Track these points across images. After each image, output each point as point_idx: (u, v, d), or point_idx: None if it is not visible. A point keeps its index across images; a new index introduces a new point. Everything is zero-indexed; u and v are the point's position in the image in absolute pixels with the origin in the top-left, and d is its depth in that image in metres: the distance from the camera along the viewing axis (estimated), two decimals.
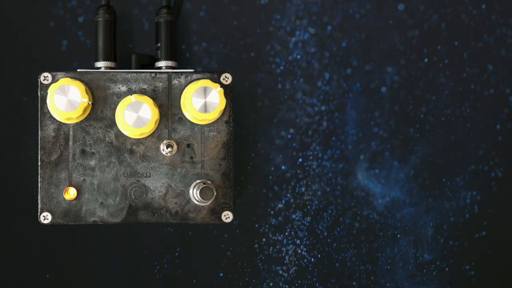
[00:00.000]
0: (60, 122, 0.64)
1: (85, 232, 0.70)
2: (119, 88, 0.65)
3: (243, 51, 0.71)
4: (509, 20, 0.72)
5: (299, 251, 0.71)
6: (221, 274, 0.71)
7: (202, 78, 0.65)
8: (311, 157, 0.71)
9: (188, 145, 0.65)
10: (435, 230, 0.72)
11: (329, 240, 0.72)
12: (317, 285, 0.72)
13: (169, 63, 0.67)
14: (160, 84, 0.65)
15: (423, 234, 0.72)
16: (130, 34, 0.70)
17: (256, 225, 0.71)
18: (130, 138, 0.65)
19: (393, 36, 0.72)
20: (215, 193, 0.65)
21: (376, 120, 0.72)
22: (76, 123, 0.65)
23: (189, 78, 0.66)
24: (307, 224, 0.71)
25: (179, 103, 0.65)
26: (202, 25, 0.71)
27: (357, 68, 0.72)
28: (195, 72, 0.66)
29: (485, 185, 0.72)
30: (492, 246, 0.73)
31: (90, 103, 0.64)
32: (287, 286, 0.72)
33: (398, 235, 0.72)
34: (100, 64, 0.67)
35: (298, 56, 0.71)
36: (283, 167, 0.71)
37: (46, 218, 0.65)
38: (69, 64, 0.70)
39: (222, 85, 0.65)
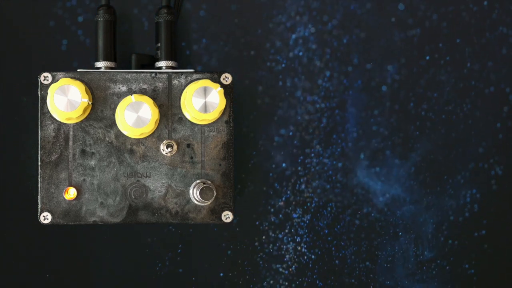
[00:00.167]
0: (60, 122, 0.64)
1: (85, 232, 0.70)
2: (119, 88, 0.65)
3: (243, 48, 0.71)
4: (510, 18, 0.72)
5: (299, 248, 0.72)
6: (221, 274, 0.71)
7: (202, 78, 0.65)
8: (311, 155, 0.71)
9: (188, 145, 0.65)
10: (435, 228, 0.72)
11: (329, 237, 0.72)
12: (317, 282, 0.72)
13: (169, 63, 0.67)
14: (160, 84, 0.65)
15: (423, 232, 0.72)
16: (130, 34, 0.70)
17: (257, 222, 0.71)
18: (130, 138, 0.65)
19: (394, 33, 0.72)
20: (215, 193, 0.65)
21: (377, 118, 0.71)
22: (76, 123, 0.65)
23: (189, 78, 0.65)
24: (307, 221, 0.71)
25: (179, 103, 0.65)
26: (202, 24, 0.71)
27: (358, 65, 0.71)
28: (195, 72, 0.65)
29: (485, 183, 0.72)
30: (492, 244, 0.73)
31: (90, 103, 0.64)
32: (287, 283, 0.72)
33: (399, 233, 0.72)
34: (100, 64, 0.67)
35: (300, 53, 0.71)
36: (283, 165, 0.71)
37: (46, 218, 0.65)
38: (69, 64, 0.70)
39: (222, 85, 0.65)
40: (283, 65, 0.71)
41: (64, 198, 0.65)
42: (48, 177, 0.65)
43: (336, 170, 0.71)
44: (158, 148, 0.65)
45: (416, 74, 0.72)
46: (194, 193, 0.65)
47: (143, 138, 0.65)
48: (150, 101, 0.64)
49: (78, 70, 0.65)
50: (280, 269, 0.72)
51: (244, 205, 0.71)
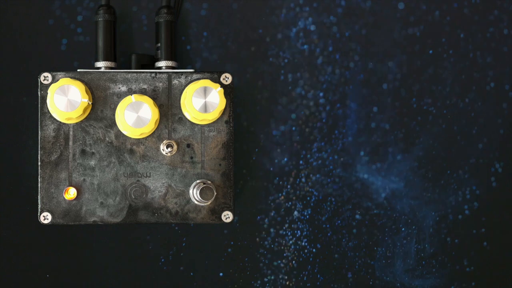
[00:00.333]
0: (60, 122, 0.64)
1: (85, 232, 0.70)
2: (119, 88, 0.65)
3: (244, 44, 0.71)
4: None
5: (300, 243, 0.71)
6: (222, 271, 0.71)
7: (202, 78, 0.65)
8: (312, 149, 0.71)
9: (188, 145, 0.65)
10: (435, 224, 0.72)
11: (329, 232, 0.72)
12: (318, 276, 0.72)
13: (169, 63, 0.67)
14: (160, 84, 0.65)
15: (423, 227, 0.72)
16: (130, 34, 0.70)
17: (258, 217, 0.71)
18: (130, 138, 0.65)
19: (396, 27, 0.72)
20: (215, 193, 0.65)
21: (378, 112, 0.71)
22: (76, 123, 0.65)
23: (189, 78, 0.65)
24: (308, 216, 0.71)
25: (179, 103, 0.65)
26: (202, 20, 0.71)
27: (359, 59, 0.71)
28: (195, 72, 0.66)
29: (485, 180, 0.72)
30: (491, 241, 0.73)
31: (90, 103, 0.64)
32: (286, 277, 0.72)
33: (399, 228, 0.72)
34: (100, 64, 0.67)
35: (300, 48, 0.71)
36: (284, 159, 0.71)
37: (46, 218, 0.65)
38: (69, 64, 0.70)
39: (222, 85, 0.65)
40: (284, 59, 0.71)
41: (64, 198, 0.65)
42: (48, 177, 0.65)
43: (336, 164, 0.71)
44: (158, 148, 0.65)
45: (418, 68, 0.72)
46: (194, 193, 0.65)
47: (143, 138, 0.65)
48: (150, 101, 0.64)
49: (78, 70, 0.65)
50: (281, 264, 0.72)
51: (245, 200, 0.71)
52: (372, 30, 0.72)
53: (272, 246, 0.72)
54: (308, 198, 0.71)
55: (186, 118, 0.65)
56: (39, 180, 0.65)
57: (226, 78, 0.66)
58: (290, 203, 0.71)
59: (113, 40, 0.68)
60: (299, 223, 0.71)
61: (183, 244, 0.71)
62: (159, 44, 0.68)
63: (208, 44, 0.71)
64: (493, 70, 0.72)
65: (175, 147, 0.65)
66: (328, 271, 0.72)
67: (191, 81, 0.65)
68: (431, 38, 0.72)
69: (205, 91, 0.64)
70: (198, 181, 0.65)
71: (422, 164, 0.72)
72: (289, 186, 0.71)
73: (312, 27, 0.71)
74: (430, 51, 0.72)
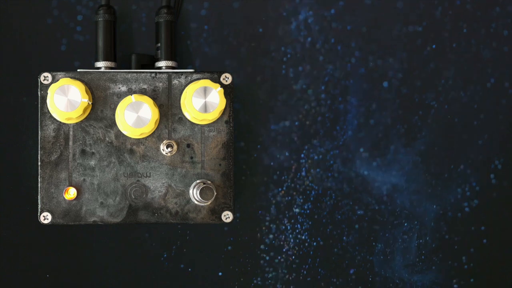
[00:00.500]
0: (60, 122, 0.64)
1: (85, 232, 0.70)
2: (119, 88, 0.65)
3: (245, 39, 0.71)
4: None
5: (300, 236, 0.71)
6: (221, 274, 0.71)
7: (202, 78, 0.65)
8: (312, 144, 0.71)
9: (188, 145, 0.65)
10: (434, 220, 0.72)
11: (330, 227, 0.72)
12: (319, 270, 0.72)
13: (169, 63, 0.67)
14: (160, 84, 0.65)
15: (423, 223, 0.72)
16: (130, 34, 0.70)
17: (260, 212, 0.71)
18: (130, 138, 0.65)
19: (399, 22, 0.72)
20: (215, 193, 0.65)
21: (379, 107, 0.71)
22: (76, 123, 0.65)
23: (189, 78, 0.65)
24: (308, 211, 0.71)
25: (179, 103, 0.65)
26: (203, 19, 0.71)
27: (361, 54, 0.71)
28: (195, 72, 0.66)
29: (485, 177, 0.72)
30: (491, 239, 0.73)
31: (90, 103, 0.64)
32: (286, 271, 0.72)
33: (399, 223, 0.72)
34: (100, 64, 0.67)
35: (300, 42, 0.71)
36: (285, 154, 0.71)
37: (46, 218, 0.65)
38: (69, 64, 0.70)
39: (222, 85, 0.65)
40: (284, 55, 0.71)
41: (64, 198, 0.65)
42: (48, 177, 0.65)
43: (337, 159, 0.71)
44: (158, 148, 0.65)
45: (420, 63, 0.72)
46: (194, 193, 0.65)
47: (143, 138, 0.65)
48: (150, 101, 0.64)
49: (78, 70, 0.65)
50: (281, 259, 0.72)
51: (245, 195, 0.71)
52: (373, 25, 0.72)
53: (273, 241, 0.72)
54: (308, 193, 0.71)
55: (186, 118, 0.65)
56: (39, 180, 0.65)
57: (226, 78, 0.66)
58: (290, 197, 0.71)
59: (113, 40, 0.68)
60: (299, 217, 0.71)
61: (184, 242, 0.71)
62: (159, 44, 0.68)
63: (208, 39, 0.71)
64: (494, 66, 0.72)
65: (175, 147, 0.65)
66: (328, 265, 0.72)
67: (191, 81, 0.65)
68: (433, 33, 0.72)
69: (205, 91, 0.64)
70: (198, 181, 0.65)
71: (423, 160, 0.72)
72: (289, 181, 0.71)
73: (311, 20, 0.71)
74: (433, 46, 0.72)
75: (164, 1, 0.68)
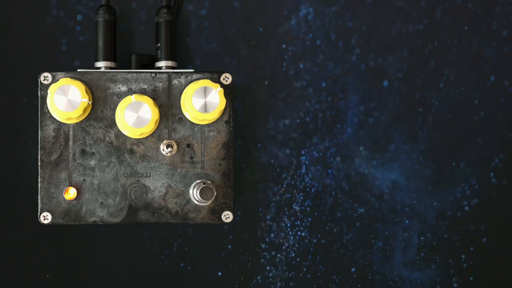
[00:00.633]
0: (60, 122, 0.64)
1: (85, 232, 0.70)
2: (119, 88, 0.65)
3: (245, 38, 0.71)
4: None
5: (300, 233, 0.71)
6: (220, 273, 0.71)
7: (202, 78, 0.65)
8: (312, 141, 0.71)
9: (188, 145, 0.65)
10: (434, 218, 0.72)
11: (329, 224, 0.72)
12: (319, 267, 0.72)
13: (169, 63, 0.67)
14: (160, 84, 0.65)
15: (423, 221, 0.72)
16: (130, 34, 0.70)
17: (260, 209, 0.71)
18: (130, 138, 0.65)
19: (399, 19, 0.72)
20: (215, 193, 0.65)
21: (379, 105, 0.71)
22: (76, 123, 0.65)
23: (189, 78, 0.66)
24: (308, 208, 0.71)
25: (179, 103, 0.65)
26: (203, 19, 0.71)
27: (361, 51, 0.71)
28: (195, 72, 0.66)
29: (485, 176, 0.72)
30: (490, 237, 0.73)
31: (90, 103, 0.64)
32: (285, 268, 0.72)
33: (399, 221, 0.72)
34: (100, 64, 0.67)
35: (301, 39, 0.71)
36: (286, 151, 0.71)
37: (46, 218, 0.65)
38: (69, 64, 0.70)
39: (222, 85, 0.66)
40: (285, 52, 0.71)
41: (64, 198, 0.65)
42: (48, 177, 0.65)
43: (337, 157, 0.71)
44: (158, 148, 0.65)
45: (420, 61, 0.72)
46: (194, 193, 0.65)
47: (143, 138, 0.65)
48: (150, 101, 0.64)
49: (78, 70, 0.65)
50: (282, 257, 0.72)
51: (245, 193, 0.71)
52: (374, 22, 0.72)
53: (274, 239, 0.72)
54: (308, 190, 0.71)
55: (186, 118, 0.65)
56: (39, 180, 0.65)
57: (226, 78, 0.66)
58: (289, 195, 0.71)
59: (113, 40, 0.68)
60: (299, 214, 0.71)
61: (184, 241, 0.71)
62: (159, 44, 0.68)
63: (208, 39, 0.71)
64: (494, 65, 0.72)
65: (175, 147, 0.65)
66: (328, 263, 0.72)
67: (191, 81, 0.65)
68: (434, 30, 0.72)
69: (205, 91, 0.64)
70: (198, 181, 0.65)
71: (423, 158, 0.72)
72: (289, 178, 0.71)
73: (311, 17, 0.71)
74: (435, 43, 0.72)
75: (164, 1, 0.68)
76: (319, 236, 0.72)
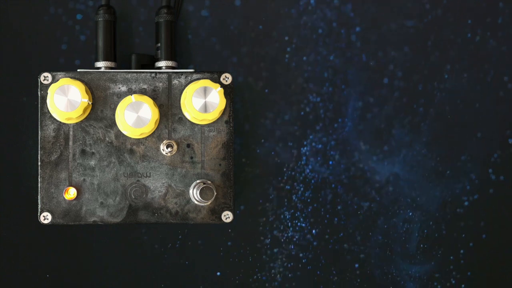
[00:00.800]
0: (60, 122, 0.64)
1: (85, 232, 0.70)
2: (119, 88, 0.65)
3: (245, 35, 0.71)
4: None
5: (299, 224, 0.71)
6: (220, 268, 0.71)
7: (202, 78, 0.65)
8: (314, 135, 0.71)
9: (188, 145, 0.65)
10: (434, 214, 0.72)
11: (328, 215, 0.72)
12: (320, 258, 0.72)
13: (169, 63, 0.67)
14: (160, 84, 0.65)
15: (423, 216, 0.72)
16: (130, 34, 0.70)
17: (260, 200, 0.71)
18: (130, 138, 0.65)
19: (402, 13, 0.72)
20: (215, 193, 0.65)
21: (380, 98, 0.71)
22: (76, 123, 0.65)
23: (189, 78, 0.66)
24: (309, 199, 0.71)
25: (179, 103, 0.65)
26: (203, 19, 0.71)
27: (363, 45, 0.71)
28: (195, 72, 0.66)
29: (485, 172, 0.72)
30: (489, 233, 0.73)
31: (90, 103, 0.64)
32: (284, 260, 0.72)
33: (398, 215, 0.72)
34: (100, 64, 0.67)
35: (302, 34, 0.71)
36: (288, 144, 0.71)
37: (46, 218, 0.65)
38: (69, 63, 0.70)
39: (222, 85, 0.66)
40: (288, 44, 0.71)
41: (64, 198, 0.65)
42: (48, 177, 0.65)
43: (338, 150, 0.71)
44: (158, 148, 0.65)
45: (422, 53, 0.72)
46: (194, 193, 0.65)
47: (143, 138, 0.65)
48: (150, 101, 0.64)
49: (78, 70, 0.65)
50: (283, 251, 0.72)
51: (246, 187, 0.71)
52: (376, 16, 0.72)
53: (274, 232, 0.72)
54: (308, 182, 0.71)
55: (186, 118, 0.65)
56: (39, 180, 0.65)
57: (226, 78, 0.66)
58: (289, 186, 0.71)
59: (113, 40, 0.68)
60: (299, 204, 0.71)
61: (184, 236, 0.71)
62: (159, 44, 0.68)
63: (208, 39, 0.71)
64: (496, 60, 0.72)
65: (175, 147, 0.65)
66: (328, 255, 0.72)
67: (191, 81, 0.65)
68: (437, 24, 0.72)
69: (205, 91, 0.64)
70: (198, 181, 0.65)
71: (423, 154, 0.72)
72: (290, 171, 0.71)
73: (311, 6, 0.71)
74: (437, 37, 0.72)
75: (164, 1, 0.68)
76: (319, 228, 0.72)
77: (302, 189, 0.72)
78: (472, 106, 0.72)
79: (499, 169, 0.73)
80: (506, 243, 0.73)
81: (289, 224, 0.72)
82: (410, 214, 0.72)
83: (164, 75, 0.65)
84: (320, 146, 0.72)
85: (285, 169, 0.71)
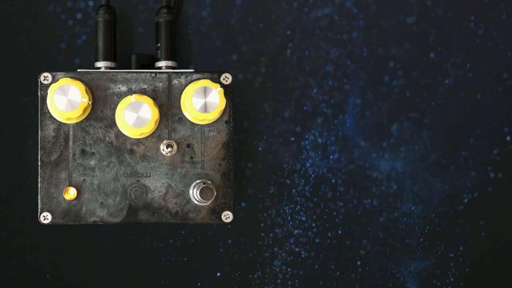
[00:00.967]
0: (60, 122, 0.64)
1: (85, 232, 0.70)
2: (119, 88, 0.65)
3: (245, 34, 0.71)
4: None
5: (299, 218, 0.71)
6: (221, 266, 0.71)
7: (202, 78, 0.65)
8: (315, 129, 0.71)
9: (188, 145, 0.65)
10: (434, 211, 0.72)
11: (329, 212, 0.72)
12: (320, 256, 0.72)
13: (169, 63, 0.67)
14: (160, 84, 0.65)
15: (423, 213, 0.72)
16: (130, 34, 0.70)
17: (260, 195, 0.71)
18: (130, 138, 0.65)
19: (404, 8, 0.72)
20: (215, 193, 0.65)
21: (382, 94, 0.71)
22: (76, 123, 0.65)
23: (189, 78, 0.66)
24: (309, 194, 0.71)
25: (179, 103, 0.65)
26: (203, 19, 0.71)
27: (364, 38, 0.71)
28: (195, 72, 0.66)
29: (485, 171, 0.72)
30: (489, 231, 0.73)
31: (90, 103, 0.64)
32: (284, 255, 0.72)
33: (398, 211, 0.72)
34: (100, 64, 0.67)
35: (302, 29, 0.71)
36: (289, 139, 0.71)
37: (46, 218, 0.65)
38: (69, 63, 0.70)
39: (222, 85, 0.66)
40: (289, 40, 0.71)
41: (64, 198, 0.65)
42: (48, 177, 0.65)
43: (339, 145, 0.71)
44: (158, 148, 0.65)
45: (424, 49, 0.72)
46: (194, 193, 0.65)
47: (143, 138, 0.65)
48: (150, 101, 0.64)
49: (78, 70, 0.65)
50: (285, 247, 0.72)
51: (247, 183, 0.71)
52: (378, 11, 0.72)
53: (275, 228, 0.72)
54: (308, 176, 0.71)
55: (186, 118, 0.65)
56: (39, 180, 0.65)
57: (226, 78, 0.66)
58: (289, 181, 0.71)
59: (113, 40, 0.68)
60: (299, 198, 0.71)
61: (184, 234, 0.71)
62: (159, 44, 0.68)
63: (208, 39, 0.71)
64: (497, 57, 0.72)
65: (175, 147, 0.65)
66: (329, 250, 0.72)
67: (191, 81, 0.65)
68: (441, 17, 0.72)
69: (205, 91, 0.64)
70: (198, 181, 0.65)
71: (427, 147, 0.72)
72: (291, 167, 0.71)
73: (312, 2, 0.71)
74: (439, 32, 0.72)
75: (164, 1, 0.68)
76: (320, 223, 0.72)
77: (303, 185, 0.72)
78: (473, 104, 0.72)
79: (500, 167, 0.73)
80: (505, 241, 0.73)
81: (289, 218, 0.72)
82: (410, 211, 0.72)
83: (164, 75, 0.65)
84: (321, 140, 0.71)
85: (286, 165, 0.71)
